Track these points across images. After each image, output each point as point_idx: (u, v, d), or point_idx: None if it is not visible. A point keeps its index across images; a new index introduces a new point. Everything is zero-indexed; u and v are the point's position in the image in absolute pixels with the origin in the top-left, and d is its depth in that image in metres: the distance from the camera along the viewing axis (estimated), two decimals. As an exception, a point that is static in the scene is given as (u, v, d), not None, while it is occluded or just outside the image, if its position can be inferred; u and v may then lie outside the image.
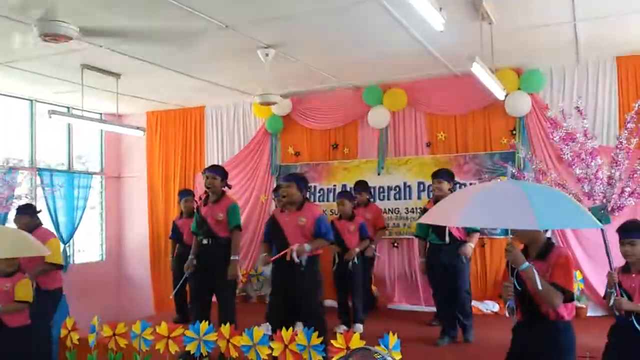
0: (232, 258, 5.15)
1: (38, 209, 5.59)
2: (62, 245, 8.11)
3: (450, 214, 3.05)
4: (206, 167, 5.56)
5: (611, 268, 3.62)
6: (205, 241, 5.25)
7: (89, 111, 8.47)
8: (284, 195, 4.87)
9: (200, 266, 5.25)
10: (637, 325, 3.45)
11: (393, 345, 3.76)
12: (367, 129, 7.71)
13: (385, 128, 7.57)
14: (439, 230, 5.36)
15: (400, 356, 3.76)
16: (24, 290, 4.38)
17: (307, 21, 5.05)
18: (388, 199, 7.46)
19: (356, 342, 3.80)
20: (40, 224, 5.55)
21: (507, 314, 3.19)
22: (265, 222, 5.16)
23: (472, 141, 7.16)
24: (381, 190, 7.49)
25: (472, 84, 5.86)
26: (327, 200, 7.72)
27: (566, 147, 5.48)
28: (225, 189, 5.40)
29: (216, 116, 8.72)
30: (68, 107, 8.32)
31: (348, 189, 7.28)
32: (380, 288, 7.49)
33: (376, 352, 2.04)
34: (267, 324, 6.02)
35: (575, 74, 6.70)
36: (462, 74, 6.81)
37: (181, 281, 5.94)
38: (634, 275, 3.57)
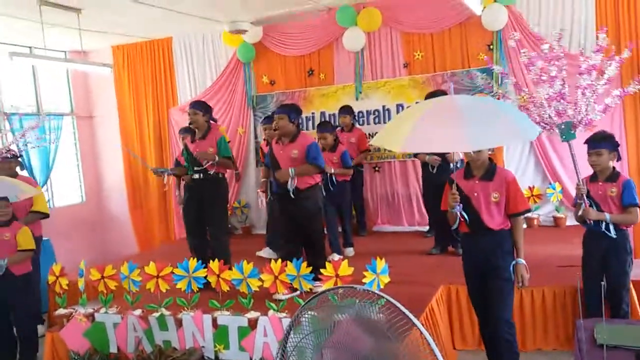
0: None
1: (19, 155, 5.68)
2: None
3: (397, 137, 3.08)
4: (190, 102, 5.43)
5: (579, 180, 3.92)
6: (196, 176, 5.23)
7: (52, 50, 8.12)
8: (276, 128, 4.82)
9: (192, 200, 5.27)
10: (605, 230, 3.82)
11: (381, 269, 3.84)
12: (343, 53, 7.49)
13: (361, 51, 7.37)
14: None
15: (388, 279, 3.85)
16: (26, 238, 4.52)
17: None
18: (368, 123, 7.38)
19: (345, 270, 3.86)
20: (23, 169, 5.75)
21: (459, 218, 3.52)
22: (267, 152, 5.15)
23: (450, 59, 7.02)
24: (360, 115, 7.39)
25: (448, -1, 5.68)
26: (307, 129, 7.60)
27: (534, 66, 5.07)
28: (212, 122, 5.34)
29: (184, 47, 8.37)
30: (30, 47, 7.92)
31: (327, 118, 7.31)
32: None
33: (364, 290, 2.08)
34: (268, 248, 6.24)
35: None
36: (437, -11, 6.59)
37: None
38: (600, 183, 3.90)
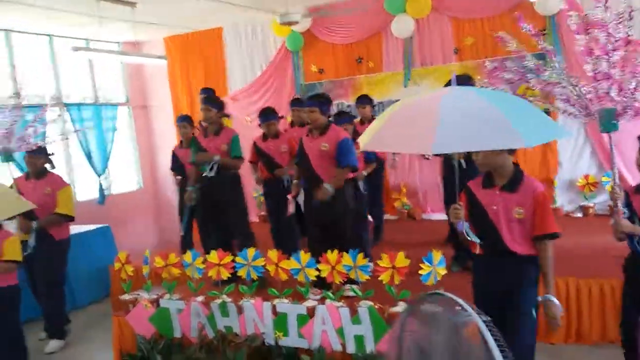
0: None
1: (50, 152, 5.31)
2: (97, 180, 8.32)
3: (418, 137, 2.48)
4: (203, 98, 5.28)
5: (615, 182, 3.30)
6: (210, 173, 5.04)
7: (106, 42, 8.39)
8: (309, 122, 4.72)
9: (207, 200, 5.11)
10: (637, 244, 3.12)
11: (438, 261, 3.88)
12: (392, 40, 7.49)
13: (410, 37, 7.35)
14: None
15: (445, 271, 3.88)
16: (13, 249, 4.04)
17: None
18: (417, 110, 7.36)
19: (401, 261, 3.92)
20: (53, 168, 5.32)
21: (468, 237, 2.90)
22: (298, 145, 4.93)
23: (501, 44, 6.90)
24: (410, 102, 7.37)
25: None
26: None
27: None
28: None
29: (234, 37, 8.53)
30: (86, 40, 8.21)
31: (376, 105, 7.24)
32: (412, 199, 7.60)
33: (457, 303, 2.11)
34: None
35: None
36: (489, -26, 6.49)
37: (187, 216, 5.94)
38: None
